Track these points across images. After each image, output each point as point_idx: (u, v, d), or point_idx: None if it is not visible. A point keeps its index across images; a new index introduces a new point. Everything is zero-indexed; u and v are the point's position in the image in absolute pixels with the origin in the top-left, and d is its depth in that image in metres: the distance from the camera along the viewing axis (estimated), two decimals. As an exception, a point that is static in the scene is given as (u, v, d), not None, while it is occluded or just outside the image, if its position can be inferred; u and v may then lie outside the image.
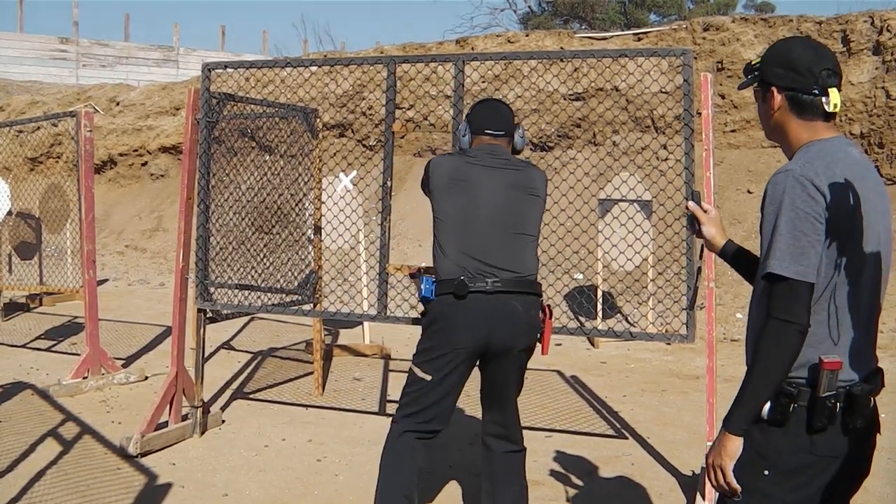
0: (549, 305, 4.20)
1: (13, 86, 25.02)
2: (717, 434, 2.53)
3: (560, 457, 5.64)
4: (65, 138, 17.28)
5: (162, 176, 18.10)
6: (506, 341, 4.01)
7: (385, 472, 4.08)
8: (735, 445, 2.47)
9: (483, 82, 14.00)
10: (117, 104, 19.41)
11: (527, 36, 15.30)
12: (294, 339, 9.39)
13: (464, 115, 4.40)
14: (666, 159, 9.35)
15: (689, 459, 5.57)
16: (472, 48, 15.02)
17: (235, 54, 30.54)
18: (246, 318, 10.06)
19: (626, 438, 6.14)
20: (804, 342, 2.41)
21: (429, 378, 3.99)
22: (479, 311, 3.95)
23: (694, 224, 2.94)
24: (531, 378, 7.46)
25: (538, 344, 4.16)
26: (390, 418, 6.34)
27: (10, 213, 10.58)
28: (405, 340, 9.07)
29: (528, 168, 4.26)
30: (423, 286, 4.02)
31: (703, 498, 4.79)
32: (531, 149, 13.26)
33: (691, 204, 2.92)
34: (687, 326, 4.93)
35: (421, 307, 4.22)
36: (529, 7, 24.41)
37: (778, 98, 2.60)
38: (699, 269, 3.38)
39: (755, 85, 2.68)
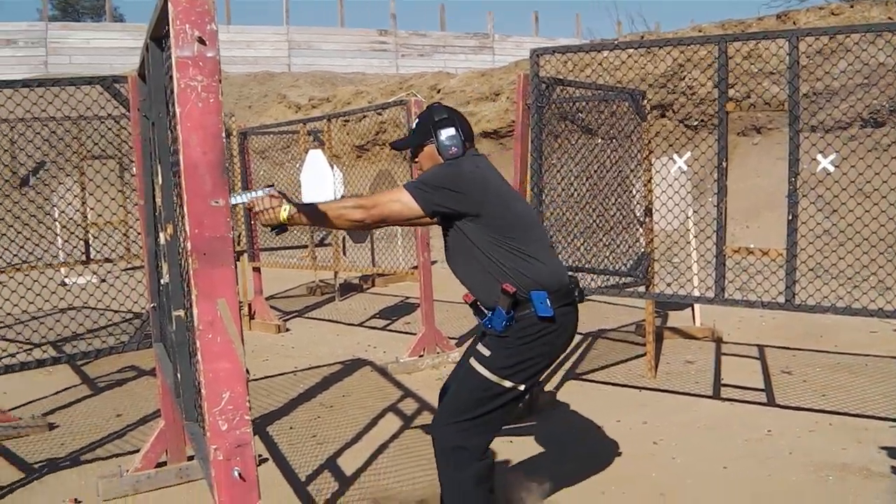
0: None
1: (338, 78, 26.42)
2: None
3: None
4: (389, 126, 18.01)
5: (485, 160, 18.52)
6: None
7: None
8: None
9: (806, 58, 13.36)
10: (438, 91, 20.04)
11: (851, 7, 14.43)
12: (623, 320, 9.38)
13: (433, 119, 3.91)
14: None
15: None
16: (794, 22, 14.36)
17: (550, 39, 30.81)
18: (575, 300, 10.14)
19: None
20: None
21: (522, 387, 3.74)
22: (577, 315, 3.89)
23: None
24: (872, 365, 7.13)
25: None
26: (723, 402, 6.34)
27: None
28: (736, 323, 8.85)
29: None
30: (539, 305, 3.63)
31: None
32: (860, 125, 12.54)
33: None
34: None
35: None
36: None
37: None
38: None
39: None
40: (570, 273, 3.94)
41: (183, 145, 2.32)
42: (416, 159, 4.00)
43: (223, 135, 2.34)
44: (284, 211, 3.50)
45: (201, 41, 2.32)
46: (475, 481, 3.68)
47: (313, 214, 3.64)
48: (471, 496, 3.68)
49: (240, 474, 2.27)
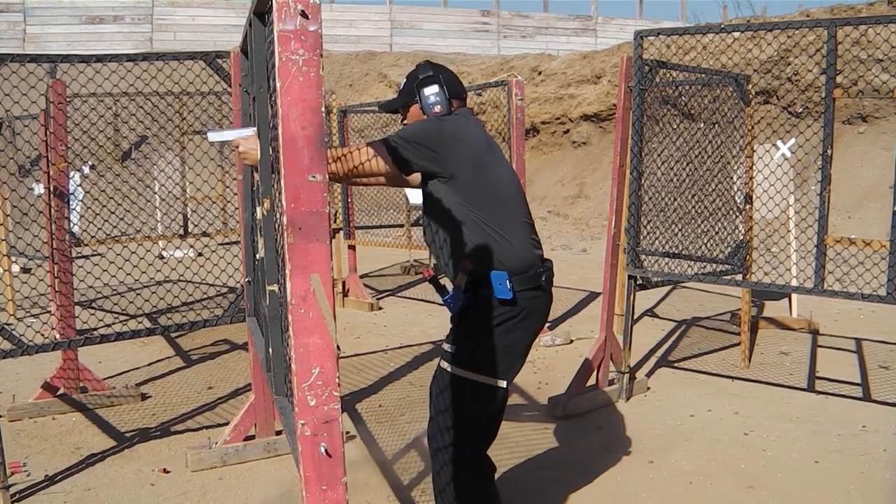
0: None
1: (439, 58, 26.40)
2: None
3: None
4: (488, 107, 17.96)
5: (584, 143, 18.40)
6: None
7: None
8: None
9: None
10: (539, 73, 19.94)
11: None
12: (718, 309, 9.24)
13: (418, 77, 3.73)
14: None
15: None
16: (903, 7, 13.94)
17: (654, 21, 30.35)
18: (668, 287, 10.05)
19: None
20: None
21: (504, 385, 3.42)
22: (548, 301, 3.59)
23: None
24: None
25: None
26: (817, 395, 6.20)
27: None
28: (834, 315, 8.65)
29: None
30: (497, 286, 3.34)
31: None
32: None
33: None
34: None
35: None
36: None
37: None
38: None
39: None
40: (543, 256, 3.60)
41: (282, 119, 2.32)
42: (405, 121, 3.79)
43: (323, 110, 2.34)
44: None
45: (304, 15, 2.31)
46: (475, 488, 3.47)
47: None
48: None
49: (326, 450, 2.27)
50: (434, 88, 3.67)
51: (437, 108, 3.65)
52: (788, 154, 7.57)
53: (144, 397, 6.33)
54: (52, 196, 5.49)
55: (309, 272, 2.29)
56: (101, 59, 5.43)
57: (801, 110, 14.40)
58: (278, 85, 2.30)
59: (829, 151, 5.68)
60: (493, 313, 3.37)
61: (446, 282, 3.58)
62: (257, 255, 4.21)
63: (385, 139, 3.47)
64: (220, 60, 5.49)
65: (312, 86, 2.32)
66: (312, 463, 2.29)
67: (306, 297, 2.29)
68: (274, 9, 2.31)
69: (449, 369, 3.44)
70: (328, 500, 2.31)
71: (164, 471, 4.95)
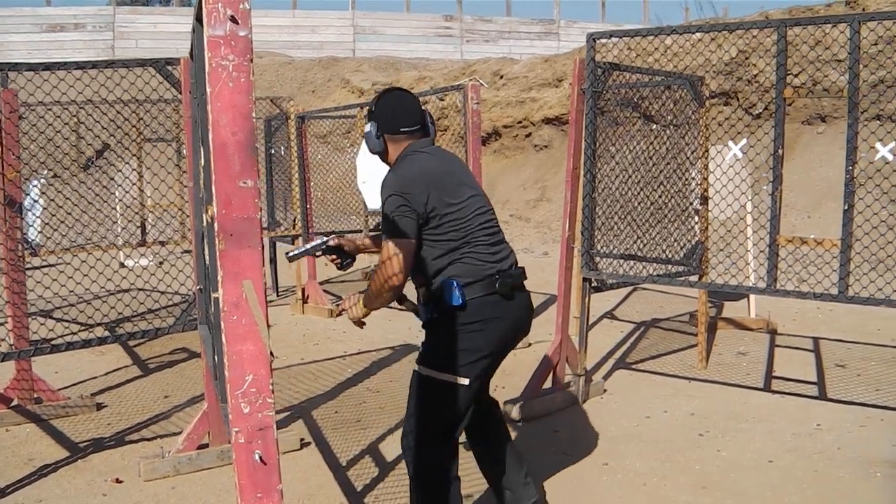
0: None
1: (402, 63, 26.43)
2: None
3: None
4: (451, 111, 17.95)
5: (545, 147, 18.44)
6: (524, 334, 3.86)
7: None
8: None
9: (879, 44, 13.06)
10: (501, 77, 19.98)
11: (925, -7, 14.09)
12: (677, 310, 9.28)
13: (367, 111, 3.88)
14: None
15: None
16: (864, 8, 14.05)
17: (616, 24, 30.45)
18: (629, 289, 10.08)
19: None
20: None
21: (466, 382, 3.60)
22: (519, 306, 3.73)
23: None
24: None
25: None
26: (773, 394, 6.24)
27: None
28: (793, 315, 8.71)
29: (451, 154, 4.05)
30: (448, 293, 3.56)
31: None
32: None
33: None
34: None
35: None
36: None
37: None
38: None
39: None
40: (503, 265, 3.72)
41: (213, 125, 2.31)
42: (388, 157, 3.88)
43: (253, 115, 2.33)
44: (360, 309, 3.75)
45: (233, 20, 2.31)
46: (438, 479, 3.67)
47: (375, 305, 3.70)
48: (433, 495, 3.68)
49: (261, 458, 2.26)
50: (367, 127, 3.82)
51: (376, 151, 3.85)
52: (740, 154, 7.61)
53: (100, 407, 6.27)
54: (4, 207, 5.42)
55: (241, 279, 2.28)
56: (49, 67, 5.39)
57: (760, 111, 14.50)
58: (209, 90, 2.29)
59: (780, 151, 5.71)
60: (453, 319, 3.57)
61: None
62: (207, 263, 4.19)
63: (385, 233, 3.60)
64: (170, 67, 5.46)
65: (243, 91, 2.31)
66: (247, 470, 2.28)
67: (238, 303, 2.28)
68: (204, 13, 2.31)
69: (417, 369, 3.69)
70: (264, 507, 2.30)
71: (117, 481, 4.91)
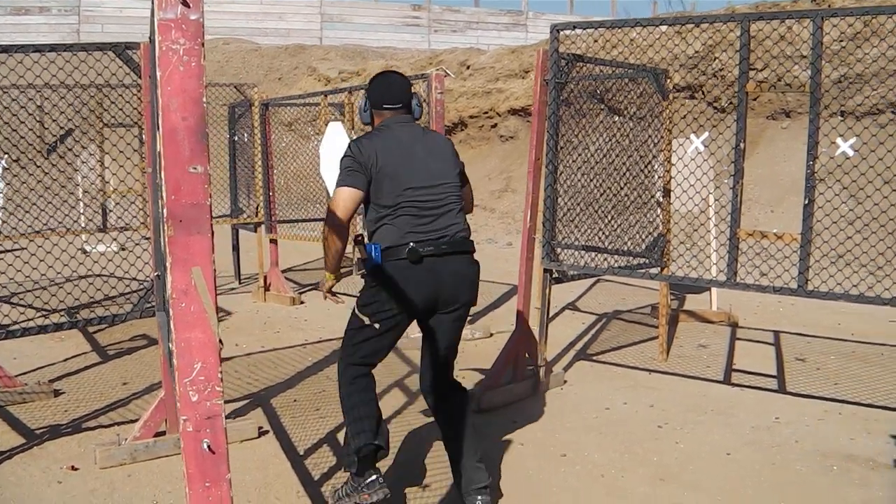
0: None
1: (369, 52, 26.35)
2: None
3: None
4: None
5: (511, 138, 18.45)
6: (450, 298, 4.19)
7: (358, 407, 4.19)
8: None
9: (841, 40, 13.14)
10: (468, 68, 19.95)
11: (891, -10, 14.18)
12: (639, 302, 9.31)
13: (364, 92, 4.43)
14: None
15: None
16: (830, 4, 14.14)
17: (584, 17, 30.52)
18: (592, 280, 10.09)
19: None
20: None
21: (377, 326, 4.13)
22: (429, 271, 4.10)
23: None
24: (887, 355, 7.04)
25: None
26: (733, 387, 6.27)
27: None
28: (754, 308, 8.77)
29: (434, 134, 4.57)
30: (371, 255, 4.11)
31: None
32: (893, 111, 12.38)
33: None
34: None
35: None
36: (898, -44, 22.63)
37: None
38: None
39: None
40: (430, 235, 4.12)
41: (163, 110, 2.27)
42: None
43: (204, 100, 2.29)
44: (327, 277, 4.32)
45: (185, 3, 2.27)
46: (349, 380, 4.21)
47: (330, 259, 4.25)
48: (346, 391, 4.21)
49: (209, 446, 2.23)
50: (360, 102, 4.40)
51: (363, 121, 4.46)
52: (701, 147, 7.63)
53: (57, 393, 6.20)
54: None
55: (190, 266, 2.25)
56: (6, 49, 5.31)
57: (725, 105, 14.56)
58: (158, 74, 2.26)
59: (742, 145, 5.72)
60: (373, 275, 4.13)
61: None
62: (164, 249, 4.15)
63: (338, 182, 4.15)
64: (130, 52, 5.40)
65: (193, 76, 2.28)
66: (195, 459, 2.25)
67: (187, 290, 2.25)
68: (155, -4, 2.27)
69: (354, 308, 4.22)
70: (212, 497, 2.27)
71: (73, 468, 4.85)
